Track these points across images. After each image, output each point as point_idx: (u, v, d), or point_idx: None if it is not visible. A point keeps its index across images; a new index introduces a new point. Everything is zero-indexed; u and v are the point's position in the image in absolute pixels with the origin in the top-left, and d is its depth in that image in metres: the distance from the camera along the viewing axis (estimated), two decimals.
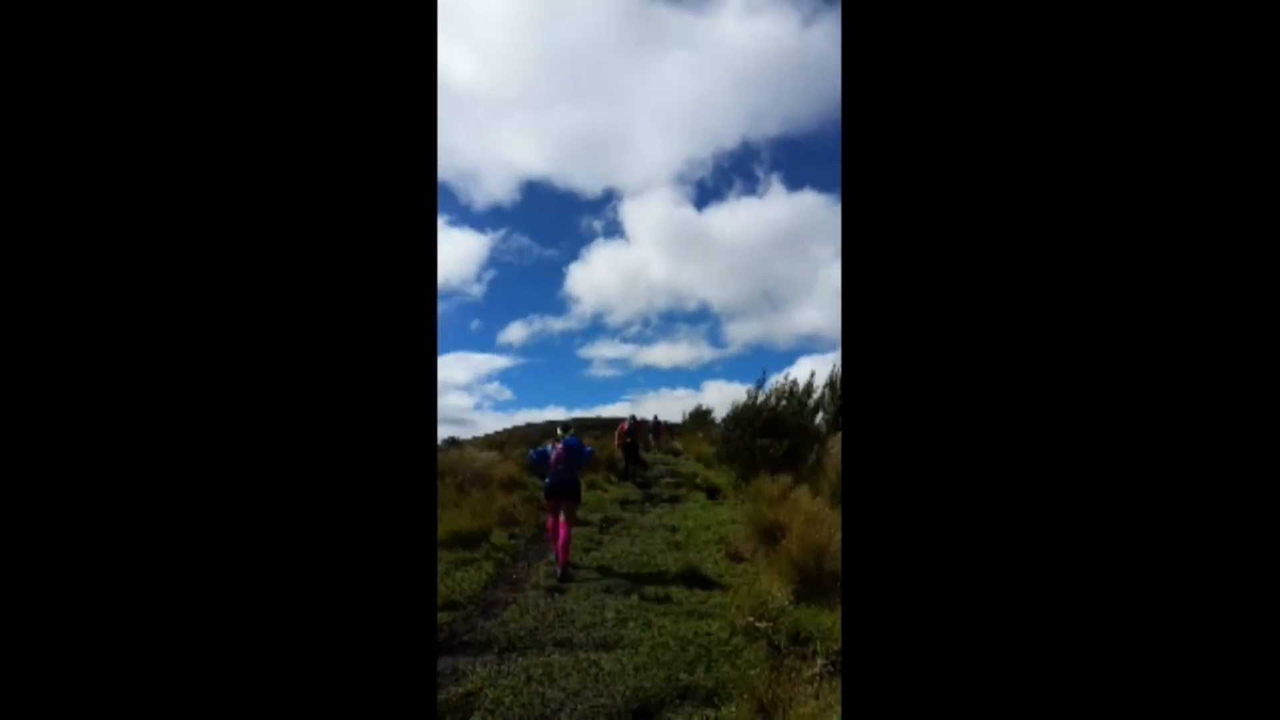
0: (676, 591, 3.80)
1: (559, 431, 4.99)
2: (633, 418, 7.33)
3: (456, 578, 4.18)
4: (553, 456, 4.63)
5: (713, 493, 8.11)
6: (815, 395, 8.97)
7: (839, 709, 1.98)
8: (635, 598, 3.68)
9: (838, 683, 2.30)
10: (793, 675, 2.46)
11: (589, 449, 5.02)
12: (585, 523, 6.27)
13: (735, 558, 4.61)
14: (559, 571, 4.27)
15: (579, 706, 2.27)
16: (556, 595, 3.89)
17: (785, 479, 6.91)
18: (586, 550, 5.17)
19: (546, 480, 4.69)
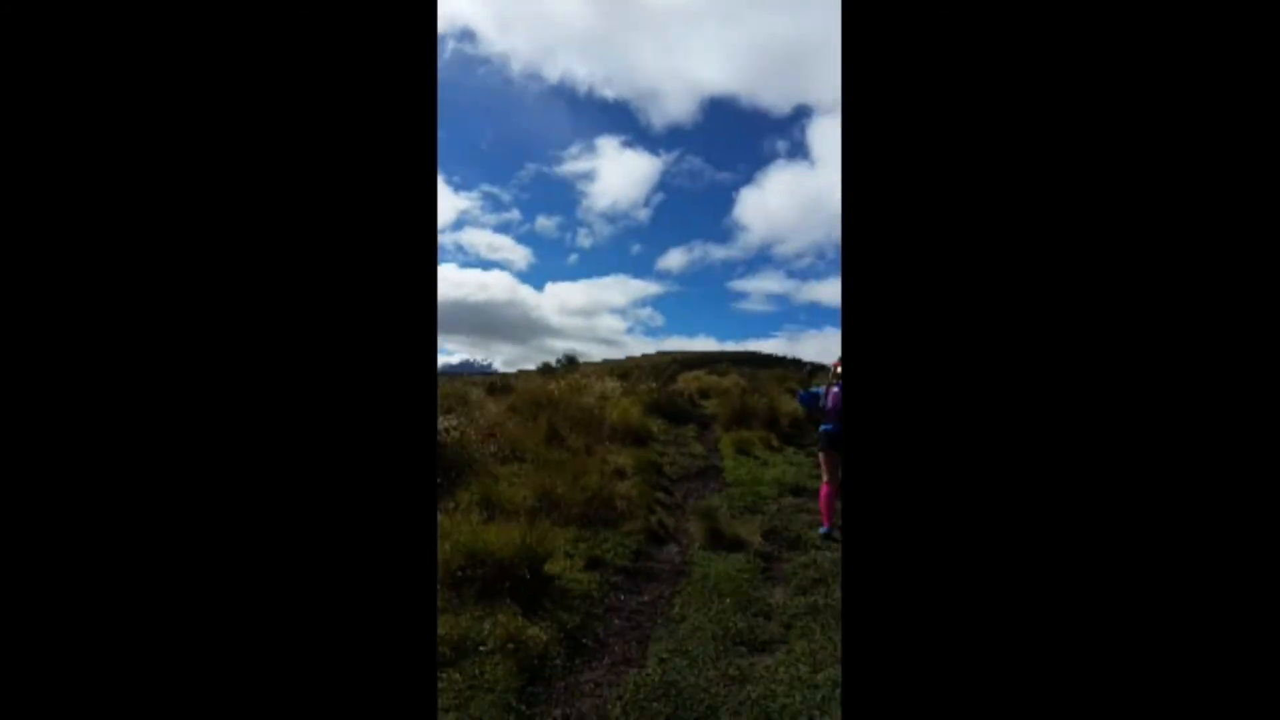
0: None
1: (835, 370, 3.96)
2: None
3: None
4: (829, 402, 3.85)
5: None
6: None
7: None
8: None
9: None
10: None
11: None
12: (738, 546, 3.35)
13: None
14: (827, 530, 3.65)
15: None
16: None
17: None
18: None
19: (822, 429, 3.89)
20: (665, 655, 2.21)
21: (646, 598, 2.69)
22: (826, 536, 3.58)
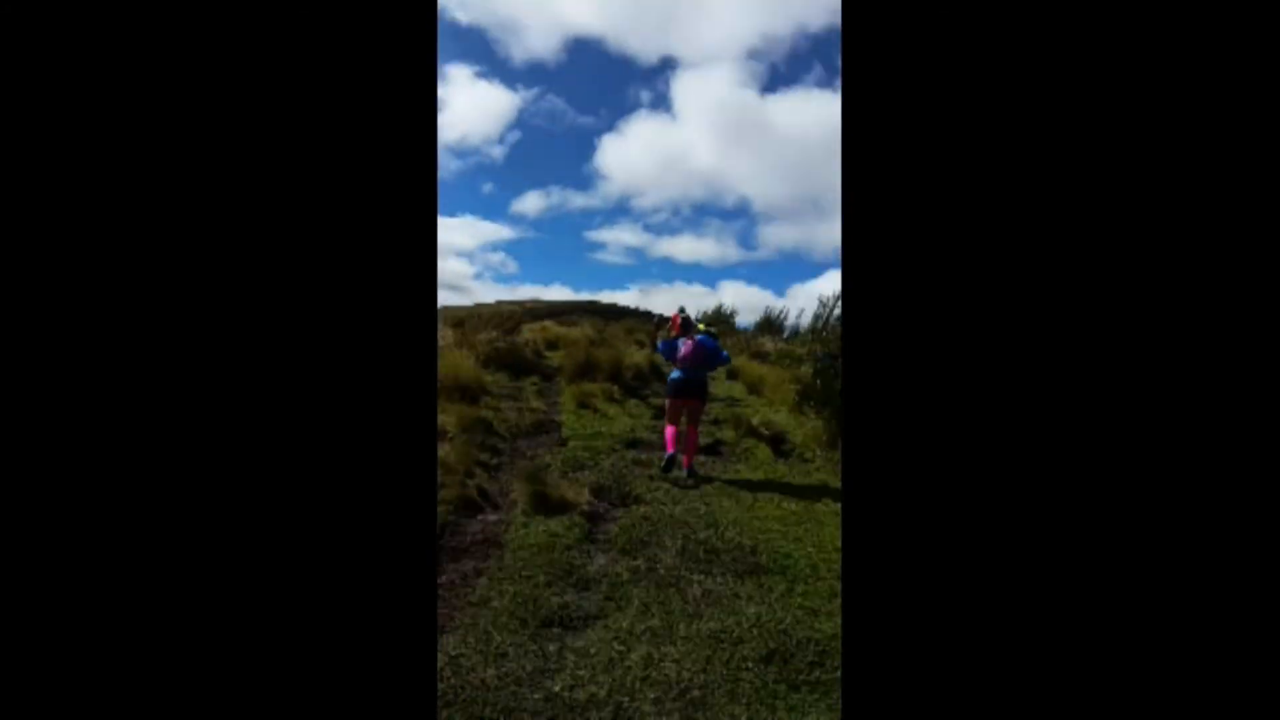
0: None
1: (700, 327, 4.27)
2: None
3: None
4: (681, 351, 4.04)
5: (778, 443, 4.94)
6: None
7: None
8: None
9: None
10: None
11: (725, 353, 4.21)
12: (565, 508, 3.08)
13: None
14: (685, 472, 3.76)
15: None
16: None
17: None
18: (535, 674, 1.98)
19: (671, 376, 4.06)
20: (459, 650, 1.87)
21: (445, 579, 2.32)
22: (665, 469, 3.73)
